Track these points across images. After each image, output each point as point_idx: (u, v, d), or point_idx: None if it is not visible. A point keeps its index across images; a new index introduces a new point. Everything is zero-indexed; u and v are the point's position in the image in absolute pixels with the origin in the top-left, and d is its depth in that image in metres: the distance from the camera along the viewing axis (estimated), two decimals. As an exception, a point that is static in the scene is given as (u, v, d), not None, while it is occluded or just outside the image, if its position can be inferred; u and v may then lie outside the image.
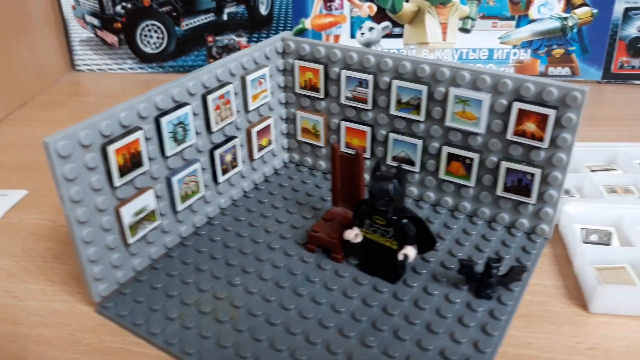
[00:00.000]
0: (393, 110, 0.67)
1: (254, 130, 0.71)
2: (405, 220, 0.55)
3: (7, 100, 1.03)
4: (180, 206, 0.62)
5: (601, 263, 0.59)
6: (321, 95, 0.72)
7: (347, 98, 0.70)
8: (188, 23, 1.15)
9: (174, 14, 1.14)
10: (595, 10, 1.02)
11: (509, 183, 0.63)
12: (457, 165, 0.65)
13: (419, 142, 0.67)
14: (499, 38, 1.06)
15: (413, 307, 0.56)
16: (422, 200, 0.71)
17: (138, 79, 1.19)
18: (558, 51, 1.05)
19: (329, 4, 1.09)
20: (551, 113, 0.58)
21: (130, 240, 0.57)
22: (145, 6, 1.14)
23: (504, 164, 0.62)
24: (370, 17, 1.09)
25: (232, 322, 0.54)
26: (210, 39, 1.16)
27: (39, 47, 1.13)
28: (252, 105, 0.70)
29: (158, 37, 1.17)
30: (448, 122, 0.63)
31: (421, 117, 0.65)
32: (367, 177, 0.70)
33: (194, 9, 1.14)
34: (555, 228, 0.66)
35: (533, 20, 1.04)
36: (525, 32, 1.05)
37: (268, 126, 0.74)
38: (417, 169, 0.68)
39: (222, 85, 0.65)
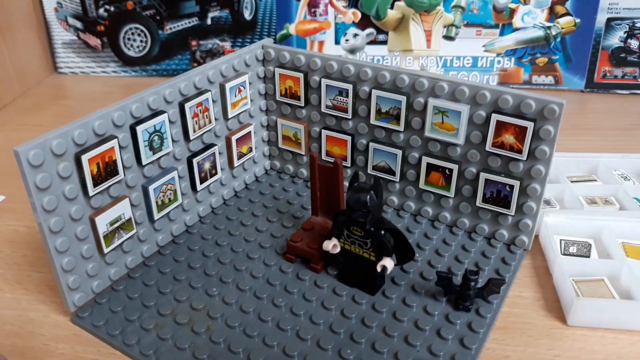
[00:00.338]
0: (373, 120, 0.66)
1: (234, 137, 0.71)
2: (382, 232, 0.55)
3: (-14, 103, 1.02)
4: (157, 215, 0.62)
5: (580, 275, 0.59)
6: (302, 103, 0.72)
7: (328, 107, 0.70)
8: (172, 27, 1.14)
9: (158, 17, 1.14)
10: (578, 20, 1.02)
11: (488, 194, 0.63)
12: (437, 176, 0.65)
13: (399, 152, 0.66)
14: (483, 46, 1.07)
15: (391, 318, 0.55)
16: (403, 210, 0.71)
17: (121, 82, 1.18)
18: (542, 60, 1.06)
19: (313, 9, 1.08)
20: (529, 125, 0.58)
21: (106, 249, 0.57)
22: (128, 9, 1.13)
23: (483, 175, 0.62)
24: (354, 24, 1.08)
25: (208, 333, 0.54)
26: (194, 43, 1.15)
27: (20, 49, 1.11)
28: (231, 113, 0.69)
29: (141, 41, 1.16)
30: (427, 133, 0.63)
31: (401, 127, 0.65)
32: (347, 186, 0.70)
33: (177, 12, 1.13)
34: (535, 239, 0.66)
35: (517, 29, 1.04)
36: (509, 40, 1.05)
37: (248, 133, 0.73)
38: (397, 178, 0.68)
39: (200, 92, 0.64)
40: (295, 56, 0.70)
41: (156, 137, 0.59)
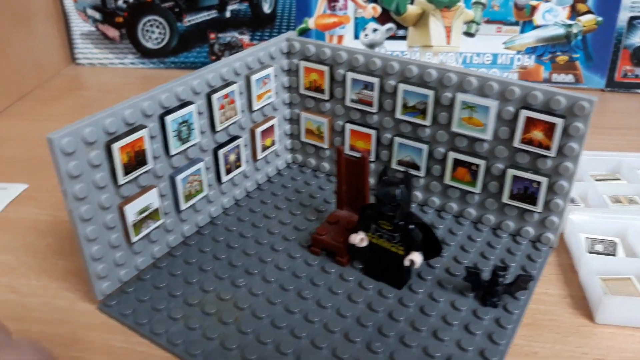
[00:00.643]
0: (399, 114, 0.66)
1: (258, 130, 0.71)
2: (412, 226, 0.55)
3: (5, 94, 1.02)
4: (183, 205, 0.62)
5: (606, 273, 0.59)
6: (326, 96, 0.72)
7: (353, 100, 0.69)
8: (190, 19, 1.14)
9: (177, 9, 1.14)
10: (600, 18, 1.01)
11: (515, 190, 0.63)
12: (463, 171, 0.65)
13: (425, 147, 0.66)
14: (504, 43, 1.06)
15: (419, 313, 0.55)
16: (427, 205, 0.70)
17: (139, 74, 1.18)
18: (562, 58, 1.05)
19: (333, 4, 1.08)
20: (559, 122, 0.57)
21: (134, 238, 0.57)
22: (147, 1, 1.13)
23: (511, 172, 0.62)
24: (374, 19, 1.08)
25: (236, 324, 0.54)
26: (212, 35, 1.15)
27: (39, 40, 1.12)
28: (256, 105, 0.69)
29: (160, 33, 1.16)
30: (454, 128, 0.63)
31: (427, 122, 0.65)
32: (372, 180, 0.70)
33: (196, 5, 1.13)
34: (560, 237, 0.66)
35: (538, 27, 1.04)
36: (530, 38, 1.05)
37: (272, 126, 0.73)
38: (422, 173, 0.68)
39: (227, 84, 0.64)
40: (320, 49, 0.70)
41: (184, 128, 0.59)
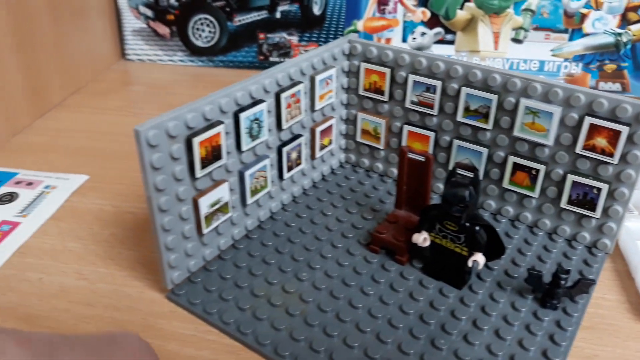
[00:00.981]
0: (460, 117, 0.67)
1: (318, 129, 0.73)
2: (477, 228, 0.56)
3: (62, 87, 1.05)
4: (249, 200, 0.64)
5: (665, 280, 0.60)
6: (385, 98, 0.73)
7: (413, 102, 0.71)
8: (241, 19, 1.16)
9: (227, 9, 1.16)
10: (650, 28, 1.02)
11: (573, 196, 0.64)
12: (523, 176, 0.66)
13: (485, 150, 0.67)
14: (551, 50, 1.07)
15: (480, 312, 0.56)
16: (482, 209, 0.71)
17: (187, 71, 1.21)
18: (610, 66, 1.06)
19: (382, 7, 1.10)
20: (624, 129, 0.58)
21: (205, 230, 0.59)
22: (199, 0, 1.15)
23: (571, 177, 0.63)
24: (423, 23, 1.09)
25: (302, 316, 0.56)
26: (261, 36, 1.17)
27: (93, 35, 1.14)
28: (318, 105, 0.71)
29: (210, 32, 1.18)
30: (516, 132, 0.64)
31: (489, 126, 0.66)
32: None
33: (247, 5, 1.15)
34: (615, 244, 0.66)
35: (587, 34, 1.04)
36: (578, 45, 1.06)
37: (330, 126, 0.75)
38: (480, 176, 0.69)
39: (294, 84, 0.66)
40: (382, 51, 0.71)
41: (255, 125, 0.61)
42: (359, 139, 0.79)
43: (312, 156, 0.74)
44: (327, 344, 0.53)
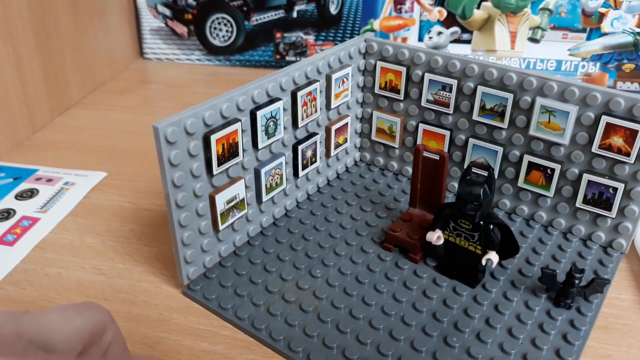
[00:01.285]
0: (475, 116, 0.68)
1: (333, 127, 0.73)
2: (492, 226, 0.56)
3: (82, 85, 1.07)
4: (265, 197, 0.64)
5: (681, 281, 0.59)
6: (401, 96, 0.74)
7: (428, 101, 0.71)
8: (258, 18, 1.17)
9: (245, 8, 1.17)
10: (670, 27, 1.01)
11: (589, 195, 0.64)
12: (538, 175, 0.66)
13: (500, 149, 0.67)
14: (569, 50, 1.06)
15: (493, 311, 0.57)
16: (497, 208, 0.71)
17: (205, 70, 1.22)
18: (628, 66, 1.05)
19: (399, 6, 1.10)
20: (641, 129, 0.58)
21: (221, 226, 0.59)
22: (216, -1, 1.17)
23: (586, 176, 0.63)
24: (439, 22, 1.09)
25: (316, 312, 0.56)
26: (278, 35, 1.18)
27: (111, 34, 1.16)
28: (334, 104, 0.71)
29: (227, 31, 1.19)
30: (532, 131, 0.64)
31: (504, 125, 0.66)
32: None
33: (264, 4, 1.16)
34: (631, 244, 0.66)
35: (605, 34, 1.04)
36: (596, 45, 1.05)
37: (346, 124, 0.75)
38: (495, 175, 0.69)
39: (310, 82, 0.66)
40: (398, 50, 0.71)
41: (271, 123, 0.61)
42: (374, 137, 0.79)
43: (327, 154, 0.75)
44: (340, 340, 0.53)
